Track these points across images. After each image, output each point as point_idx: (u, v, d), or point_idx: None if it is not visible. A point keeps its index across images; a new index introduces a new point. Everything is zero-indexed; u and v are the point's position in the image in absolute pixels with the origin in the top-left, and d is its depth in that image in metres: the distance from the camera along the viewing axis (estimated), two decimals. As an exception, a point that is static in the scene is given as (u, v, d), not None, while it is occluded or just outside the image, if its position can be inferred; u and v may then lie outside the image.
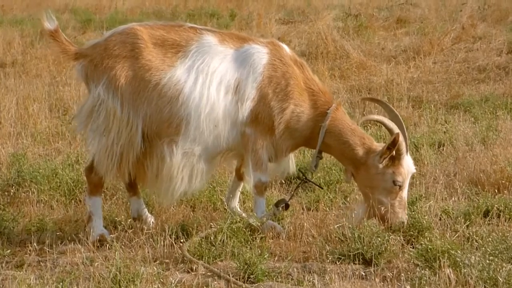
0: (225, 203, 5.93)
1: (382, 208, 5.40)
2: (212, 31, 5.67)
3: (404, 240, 5.31)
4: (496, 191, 6.21)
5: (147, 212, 5.84)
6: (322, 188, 6.20)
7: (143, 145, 5.42)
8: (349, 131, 5.56)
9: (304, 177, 5.91)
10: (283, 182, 6.40)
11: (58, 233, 5.60)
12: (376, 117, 6.04)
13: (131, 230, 5.52)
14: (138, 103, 5.39)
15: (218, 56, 5.48)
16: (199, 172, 5.52)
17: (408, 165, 5.46)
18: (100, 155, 5.39)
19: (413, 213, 5.51)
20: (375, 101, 6.25)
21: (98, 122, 5.37)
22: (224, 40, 5.56)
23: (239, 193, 5.99)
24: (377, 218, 5.39)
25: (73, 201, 6.25)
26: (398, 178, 5.40)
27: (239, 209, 5.92)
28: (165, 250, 5.26)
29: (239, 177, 5.93)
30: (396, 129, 5.45)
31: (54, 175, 6.42)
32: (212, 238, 5.20)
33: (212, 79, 5.42)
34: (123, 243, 5.38)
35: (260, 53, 5.54)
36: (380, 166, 5.42)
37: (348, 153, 5.54)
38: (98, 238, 5.44)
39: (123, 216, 5.63)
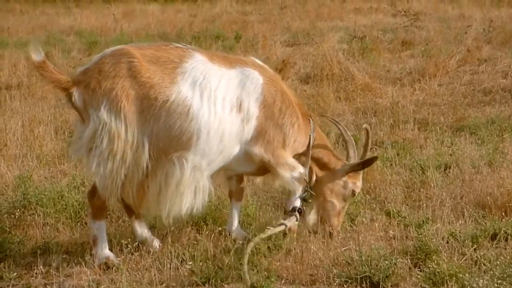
0: (228, 229, 5.95)
1: (332, 212, 5.94)
2: (197, 49, 5.71)
3: (411, 263, 5.30)
4: (503, 214, 6.18)
5: (152, 235, 5.82)
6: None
7: (148, 164, 5.35)
8: (323, 137, 6.14)
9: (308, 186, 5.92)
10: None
11: (64, 256, 5.60)
12: (342, 130, 6.20)
13: (137, 253, 5.51)
14: (142, 122, 5.32)
15: (215, 73, 5.51)
16: (202, 188, 5.52)
17: (361, 181, 6.11)
18: (105, 179, 5.30)
19: (420, 236, 5.50)
20: (331, 121, 6.41)
21: (102, 147, 5.25)
22: (213, 58, 5.60)
23: (237, 214, 6.01)
24: (322, 219, 5.93)
25: (79, 223, 6.23)
26: (356, 189, 6.03)
27: (242, 231, 5.95)
28: (172, 273, 5.25)
29: (236, 197, 6.01)
30: (352, 148, 6.05)
31: (60, 197, 6.41)
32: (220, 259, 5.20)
33: (216, 96, 5.44)
34: (130, 266, 5.37)
35: (254, 74, 5.65)
36: (345, 175, 5.96)
37: (323, 158, 5.99)
38: (104, 261, 5.42)
39: (129, 239, 5.60)
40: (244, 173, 5.96)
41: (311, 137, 5.86)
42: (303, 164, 5.85)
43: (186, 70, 5.43)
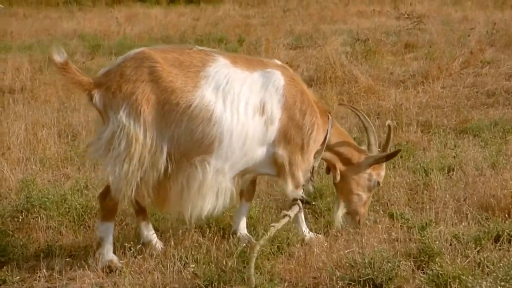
0: (233, 229, 5.97)
1: (359, 203, 6.13)
2: (220, 53, 5.73)
3: (414, 265, 5.29)
4: (507, 216, 6.17)
5: (156, 238, 5.83)
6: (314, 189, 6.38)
7: (168, 167, 5.38)
8: (344, 133, 6.23)
9: (311, 176, 6.01)
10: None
11: (67, 259, 5.59)
12: (362, 117, 6.32)
13: (140, 256, 5.51)
14: (162, 126, 5.32)
15: (239, 77, 5.54)
16: (224, 191, 5.57)
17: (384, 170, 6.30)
18: (120, 181, 5.30)
19: (423, 238, 5.49)
20: (350, 108, 6.50)
21: (120, 149, 5.26)
22: (236, 62, 5.62)
23: (245, 215, 6.06)
24: (351, 213, 6.13)
25: (82, 226, 6.24)
26: (380, 179, 6.21)
27: (247, 234, 5.95)
28: (175, 276, 5.25)
29: (246, 198, 6.06)
30: (373, 135, 6.23)
31: (63, 200, 6.41)
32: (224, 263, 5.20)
33: (239, 100, 5.47)
34: (133, 269, 5.37)
35: (276, 75, 5.69)
36: (369, 168, 6.10)
37: (345, 152, 6.08)
38: (107, 264, 5.42)
39: (132, 242, 5.61)
40: (266, 175, 6.02)
41: (328, 133, 5.94)
42: (315, 158, 5.93)
43: (210, 74, 5.45)
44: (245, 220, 6.03)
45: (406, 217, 6.26)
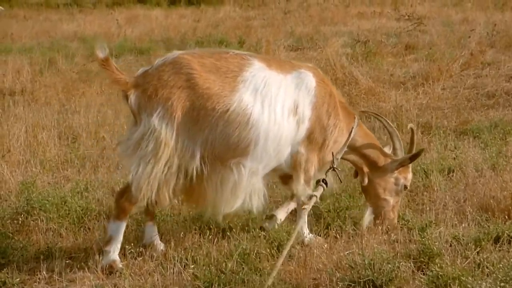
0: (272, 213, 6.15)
1: (387, 208, 6.18)
2: (255, 56, 5.84)
3: (414, 266, 5.29)
4: (507, 217, 6.17)
5: (158, 239, 5.83)
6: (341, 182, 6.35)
7: (202, 170, 5.45)
8: (370, 136, 6.30)
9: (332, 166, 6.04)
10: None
11: (67, 261, 5.60)
12: (385, 123, 6.41)
13: (140, 258, 5.51)
14: (195, 131, 5.41)
15: (275, 80, 5.65)
16: (258, 191, 5.69)
17: (411, 173, 6.34)
18: (141, 181, 5.35)
19: (423, 239, 5.50)
20: (372, 114, 6.52)
21: (146, 151, 5.34)
22: (270, 64, 5.73)
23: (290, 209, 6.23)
24: (380, 217, 6.17)
25: (82, 229, 6.24)
26: (407, 183, 6.26)
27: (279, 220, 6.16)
28: (175, 278, 5.26)
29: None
30: (398, 140, 6.29)
31: (63, 203, 6.41)
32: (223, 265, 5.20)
33: (276, 102, 5.58)
34: (133, 271, 5.38)
35: (309, 77, 5.82)
36: (396, 171, 6.16)
37: (371, 155, 6.16)
38: (110, 264, 5.43)
39: (132, 244, 5.61)
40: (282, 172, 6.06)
41: (353, 132, 6.03)
42: (339, 152, 6.02)
43: (247, 78, 5.55)
44: (286, 214, 6.20)
45: (406, 218, 6.27)
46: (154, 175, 5.34)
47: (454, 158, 7.81)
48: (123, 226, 5.54)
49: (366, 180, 6.18)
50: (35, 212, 6.34)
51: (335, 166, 5.97)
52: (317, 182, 6.05)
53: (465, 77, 12.20)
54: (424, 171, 7.38)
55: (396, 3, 25.46)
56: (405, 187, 6.28)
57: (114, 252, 5.50)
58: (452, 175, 7.37)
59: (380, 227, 6.08)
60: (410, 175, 6.29)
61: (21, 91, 11.73)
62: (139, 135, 5.39)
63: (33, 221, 6.26)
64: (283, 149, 5.70)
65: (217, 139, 5.44)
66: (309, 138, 5.81)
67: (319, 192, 5.96)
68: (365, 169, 6.19)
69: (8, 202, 6.84)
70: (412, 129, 6.30)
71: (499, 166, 7.41)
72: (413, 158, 6.20)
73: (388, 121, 6.40)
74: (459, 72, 12.34)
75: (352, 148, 6.11)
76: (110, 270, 5.42)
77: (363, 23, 20.25)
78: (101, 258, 5.47)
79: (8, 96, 11.39)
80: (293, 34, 18.04)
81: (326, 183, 6.02)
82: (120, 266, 5.46)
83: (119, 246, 5.52)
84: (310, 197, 5.92)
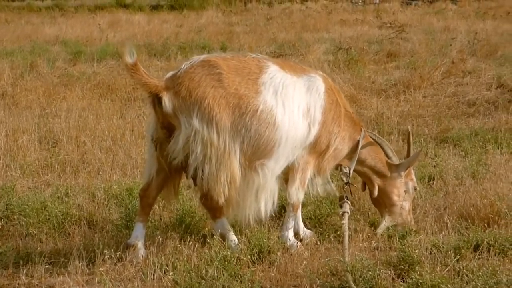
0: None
1: (404, 213, 6.25)
2: (270, 59, 5.93)
3: (394, 274, 5.29)
4: (486, 225, 6.20)
5: (142, 243, 5.79)
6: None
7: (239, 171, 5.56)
8: (376, 146, 6.31)
9: (347, 181, 6.16)
10: (274, 215, 6.37)
11: (47, 267, 5.56)
12: (373, 135, 6.48)
13: (120, 263, 5.49)
14: (234, 131, 5.48)
15: (290, 82, 5.75)
16: (274, 191, 5.78)
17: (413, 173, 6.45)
18: (210, 182, 5.47)
19: (404, 247, 5.50)
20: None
21: (197, 152, 5.43)
22: (284, 68, 5.82)
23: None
24: (401, 224, 6.23)
25: (62, 234, 6.21)
26: (415, 184, 6.37)
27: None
28: (155, 284, 5.24)
29: None
30: (389, 148, 6.38)
31: (43, 208, 6.38)
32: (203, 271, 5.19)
33: (293, 104, 5.68)
34: (112, 276, 5.35)
35: (319, 81, 5.93)
36: (403, 176, 6.28)
37: (378, 165, 6.22)
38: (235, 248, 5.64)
39: (112, 249, 5.58)
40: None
41: (360, 144, 6.09)
42: (350, 159, 6.13)
43: (267, 80, 5.64)
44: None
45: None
46: (215, 174, 5.46)
47: (435, 166, 7.84)
48: (226, 221, 5.77)
49: (376, 192, 6.24)
50: (14, 217, 6.32)
51: (348, 181, 6.13)
52: (341, 199, 6.18)
53: (446, 85, 12.27)
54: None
55: (378, 10, 25.58)
56: (415, 188, 6.39)
57: (231, 241, 5.72)
58: (433, 183, 7.40)
59: (360, 235, 6.08)
60: (414, 176, 6.39)
61: (2, 95, 11.70)
62: (184, 138, 5.45)
63: (12, 226, 6.24)
64: (295, 150, 5.77)
65: (251, 138, 5.52)
66: (315, 142, 5.87)
67: (347, 208, 6.07)
68: (376, 181, 6.25)
69: (-12, 207, 6.80)
70: (408, 131, 6.42)
71: (479, 174, 7.45)
72: (414, 158, 6.34)
73: (374, 133, 6.50)
74: (440, 80, 12.41)
75: (360, 161, 6.19)
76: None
77: (345, 30, 20.34)
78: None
79: (-12, 100, 11.34)
80: (276, 40, 18.09)
81: (348, 198, 6.13)
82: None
83: (234, 235, 5.79)
84: (343, 214, 6.04)
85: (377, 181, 6.25)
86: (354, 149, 6.12)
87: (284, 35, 19.28)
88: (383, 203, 6.29)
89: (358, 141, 6.10)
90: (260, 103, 5.54)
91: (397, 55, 15.37)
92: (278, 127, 5.57)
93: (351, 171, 6.15)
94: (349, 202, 6.13)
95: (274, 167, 5.67)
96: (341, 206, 6.15)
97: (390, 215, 6.24)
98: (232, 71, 5.57)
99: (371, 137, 6.36)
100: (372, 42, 17.26)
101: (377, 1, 33.18)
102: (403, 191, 6.26)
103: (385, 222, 6.20)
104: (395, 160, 6.31)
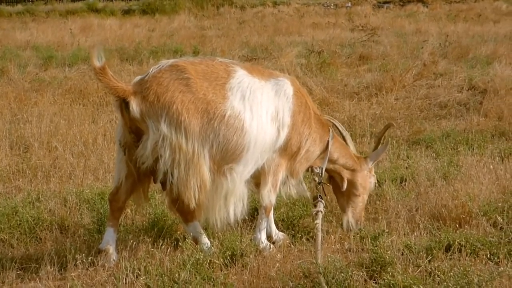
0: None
1: (363, 206, 6.46)
2: (237, 63, 5.93)
3: (367, 275, 5.31)
4: (457, 226, 6.23)
5: (114, 248, 5.76)
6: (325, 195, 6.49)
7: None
8: (343, 145, 6.44)
9: (320, 181, 6.27)
10: (246, 218, 6.36)
11: (18, 272, 5.53)
12: (339, 126, 6.61)
13: (92, 268, 5.46)
14: (203, 136, 5.47)
15: (258, 87, 5.76)
16: (243, 195, 5.78)
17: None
18: (180, 187, 5.45)
19: (376, 248, 5.52)
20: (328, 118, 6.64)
21: (165, 157, 5.39)
22: (252, 72, 5.83)
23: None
24: (356, 217, 6.37)
25: (33, 239, 6.17)
26: (375, 180, 6.61)
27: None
28: (127, 288, 5.22)
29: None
30: (351, 142, 6.60)
31: (14, 213, 6.34)
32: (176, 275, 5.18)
33: (262, 108, 5.70)
34: (84, 281, 5.33)
35: (287, 85, 5.95)
36: (370, 171, 6.48)
37: (348, 162, 6.37)
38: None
39: (83, 254, 5.55)
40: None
41: (329, 144, 6.19)
42: (322, 160, 6.23)
43: (234, 85, 5.64)
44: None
45: (359, 227, 6.29)
46: (185, 179, 5.44)
47: (407, 168, 7.88)
48: (198, 224, 5.72)
49: (345, 186, 6.33)
50: (-15, 222, 6.26)
51: (321, 180, 6.23)
52: (314, 198, 6.25)
53: (418, 87, 12.32)
54: (377, 180, 7.41)
55: (350, 13, 25.66)
56: (376, 183, 6.64)
57: (208, 247, 5.67)
58: (405, 184, 7.43)
59: (333, 236, 6.10)
60: (373, 172, 6.59)
61: (-27, 101, 11.60)
62: (152, 143, 5.42)
63: (-17, 231, 6.19)
64: (265, 154, 5.79)
65: (220, 144, 5.51)
66: (286, 145, 5.89)
67: (321, 207, 6.14)
68: (345, 175, 6.35)
69: (-42, 213, 6.74)
70: (388, 126, 6.74)
71: (450, 175, 7.49)
72: (384, 149, 6.63)
73: (341, 125, 6.61)
74: (412, 83, 12.47)
75: (332, 161, 6.28)
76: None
77: (317, 34, 20.40)
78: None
79: (-41, 106, 11.24)
80: (248, 44, 18.11)
81: (322, 198, 6.20)
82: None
83: (206, 238, 5.75)
84: (316, 213, 6.09)
85: (347, 175, 6.37)
86: (324, 149, 6.18)
87: (257, 39, 19.30)
88: (347, 194, 6.38)
89: (328, 141, 6.17)
90: (227, 108, 5.53)
91: (369, 58, 15.42)
92: (247, 132, 5.57)
93: (323, 171, 6.21)
94: (323, 202, 6.20)
95: (243, 171, 5.66)
96: (315, 206, 6.20)
97: (352, 206, 6.35)
98: (200, 76, 5.56)
99: (339, 129, 6.48)
100: (344, 45, 17.32)
101: (349, 4, 33.36)
102: (369, 184, 6.46)
103: (349, 216, 6.32)
104: (354, 152, 6.49)
